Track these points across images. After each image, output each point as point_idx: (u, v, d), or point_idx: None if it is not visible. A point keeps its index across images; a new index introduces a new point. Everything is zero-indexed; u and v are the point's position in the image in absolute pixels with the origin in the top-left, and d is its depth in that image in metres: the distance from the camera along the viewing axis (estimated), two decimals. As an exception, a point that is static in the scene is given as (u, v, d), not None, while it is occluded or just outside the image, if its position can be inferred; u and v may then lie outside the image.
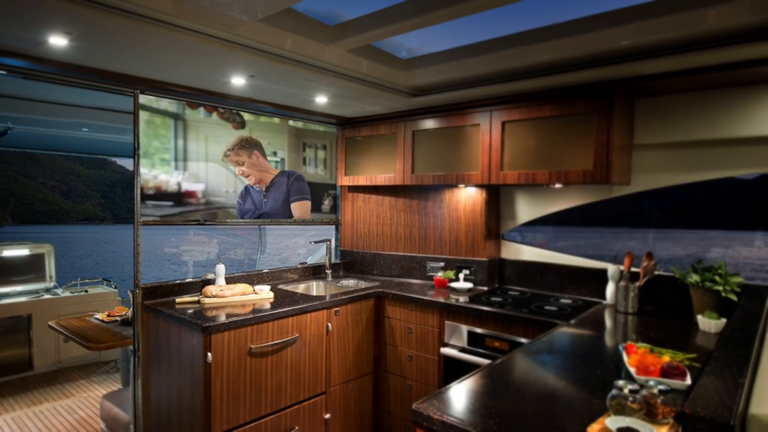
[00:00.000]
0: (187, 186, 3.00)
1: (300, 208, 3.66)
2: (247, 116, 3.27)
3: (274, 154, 3.46)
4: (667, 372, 1.47)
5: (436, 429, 1.25)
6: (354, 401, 3.07)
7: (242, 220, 3.29)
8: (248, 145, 3.30)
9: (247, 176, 3.31)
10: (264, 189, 3.42)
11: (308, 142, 3.69)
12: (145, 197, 2.78)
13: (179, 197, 2.97)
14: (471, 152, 3.01)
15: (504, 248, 3.37)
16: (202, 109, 3.04)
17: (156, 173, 2.84)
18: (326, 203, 3.89)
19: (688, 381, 1.44)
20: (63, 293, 4.77)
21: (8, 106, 3.35)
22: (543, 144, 2.69)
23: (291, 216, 3.60)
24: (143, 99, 2.72)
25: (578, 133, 2.55)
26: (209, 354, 2.28)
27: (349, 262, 3.97)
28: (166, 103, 2.85)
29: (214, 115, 3.11)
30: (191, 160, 3.01)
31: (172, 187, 2.93)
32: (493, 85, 2.71)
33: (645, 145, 2.68)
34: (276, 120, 3.47)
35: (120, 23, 1.81)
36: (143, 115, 2.74)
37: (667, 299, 2.62)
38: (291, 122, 3.55)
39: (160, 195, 2.88)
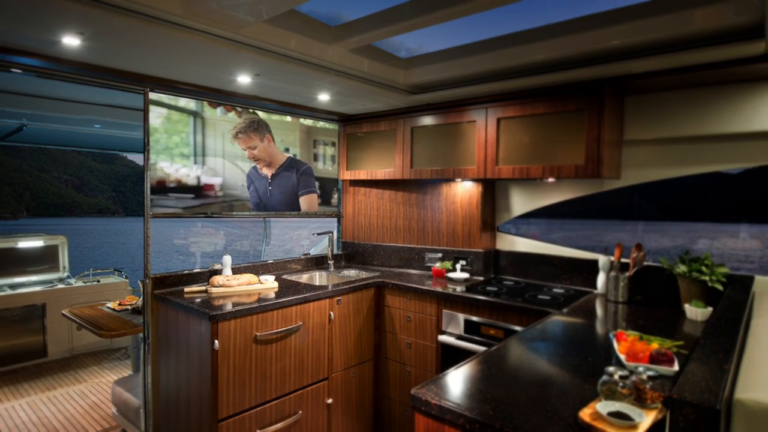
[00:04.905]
0: (205, 179, 3.12)
1: (308, 201, 3.74)
2: (261, 114, 3.37)
3: (287, 150, 3.58)
4: (655, 358, 1.51)
5: (434, 413, 1.28)
6: (355, 387, 3.15)
7: (247, 213, 3.34)
8: (260, 128, 3.36)
9: (257, 160, 3.37)
10: (270, 176, 3.46)
11: (318, 140, 3.81)
12: (168, 190, 2.92)
13: (198, 190, 3.10)
14: (467, 148, 3.06)
15: (499, 240, 3.44)
16: (220, 108, 3.16)
17: (177, 167, 2.98)
18: (335, 197, 4.01)
19: (676, 367, 1.48)
20: (76, 283, 4.87)
21: (23, 103, 3.39)
22: (536, 140, 2.74)
23: (298, 208, 3.67)
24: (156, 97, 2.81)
25: (570, 129, 2.60)
26: (216, 341, 2.33)
27: (350, 253, 4.05)
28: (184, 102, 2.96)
29: (232, 113, 3.21)
30: (209, 155, 3.13)
31: (192, 180, 3.06)
32: (488, 84, 2.76)
33: (634, 141, 2.72)
34: (288, 118, 3.58)
35: (131, 24, 1.86)
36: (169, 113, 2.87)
37: (655, 289, 2.67)
38: (302, 120, 3.67)
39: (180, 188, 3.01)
